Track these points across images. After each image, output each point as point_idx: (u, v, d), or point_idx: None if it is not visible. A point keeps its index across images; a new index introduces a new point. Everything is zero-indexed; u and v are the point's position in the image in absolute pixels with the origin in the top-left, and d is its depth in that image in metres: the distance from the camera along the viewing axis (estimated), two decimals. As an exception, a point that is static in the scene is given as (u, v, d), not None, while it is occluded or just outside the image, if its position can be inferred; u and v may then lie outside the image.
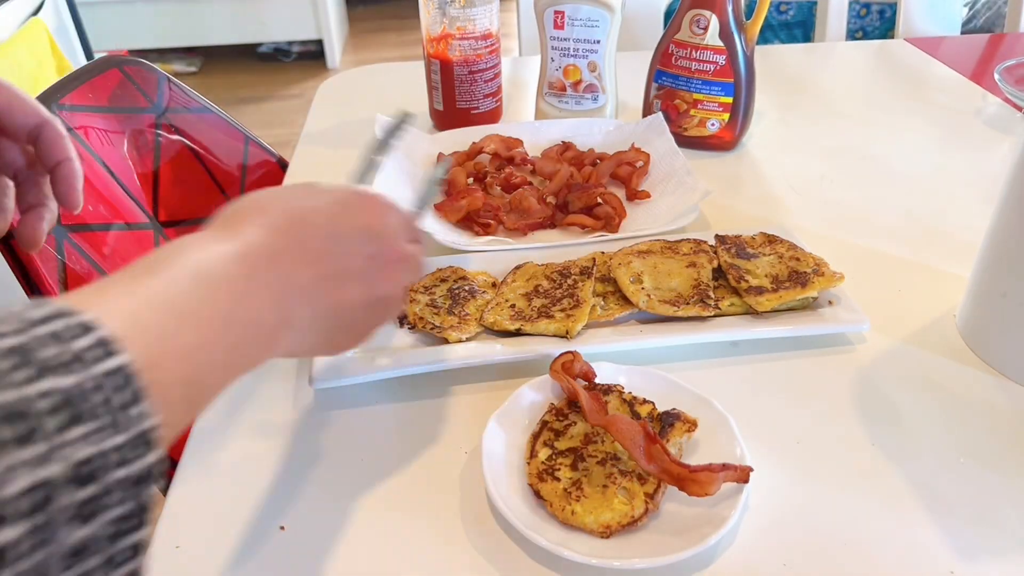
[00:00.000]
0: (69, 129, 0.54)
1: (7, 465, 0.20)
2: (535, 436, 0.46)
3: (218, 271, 0.31)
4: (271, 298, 0.33)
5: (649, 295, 0.56)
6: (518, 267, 0.61)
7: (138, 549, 0.24)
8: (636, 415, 0.46)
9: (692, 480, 0.41)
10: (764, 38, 1.39)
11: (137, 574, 0.24)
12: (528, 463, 0.44)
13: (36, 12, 1.79)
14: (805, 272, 0.57)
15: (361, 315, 0.39)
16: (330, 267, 0.36)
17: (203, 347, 0.28)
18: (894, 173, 0.78)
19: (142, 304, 0.27)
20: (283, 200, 0.36)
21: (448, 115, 0.85)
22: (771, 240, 0.61)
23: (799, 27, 1.37)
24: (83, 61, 1.99)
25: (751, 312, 0.55)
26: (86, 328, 0.23)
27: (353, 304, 0.38)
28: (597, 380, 0.49)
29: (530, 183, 0.73)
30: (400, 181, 0.68)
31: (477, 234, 0.67)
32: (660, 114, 0.81)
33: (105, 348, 0.23)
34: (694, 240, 0.62)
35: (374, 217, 0.40)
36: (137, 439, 0.23)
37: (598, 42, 0.83)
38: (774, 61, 1.06)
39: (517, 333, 0.54)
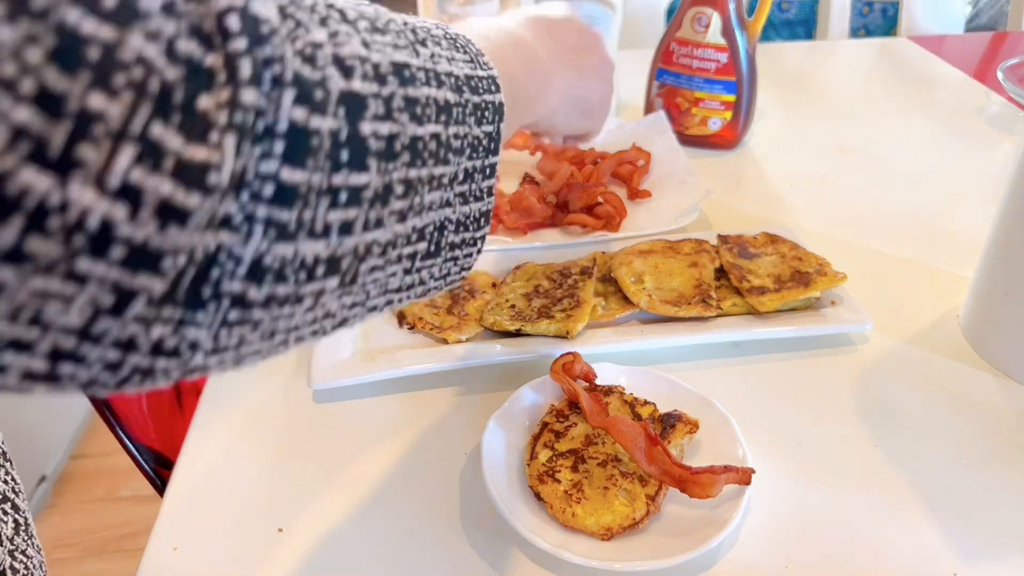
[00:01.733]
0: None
1: (433, 52, 0.30)
2: (535, 437, 0.45)
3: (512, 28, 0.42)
4: (541, 44, 0.43)
5: (650, 295, 0.55)
6: (518, 267, 0.61)
7: (494, 168, 0.33)
8: (637, 416, 0.46)
9: (694, 482, 0.40)
10: (766, 36, 1.39)
11: (492, 192, 0.34)
12: (528, 465, 0.44)
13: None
14: (807, 272, 0.56)
15: (598, 75, 0.48)
16: (566, 38, 0.47)
17: (512, 64, 0.38)
18: (897, 172, 0.78)
19: (465, 27, 0.38)
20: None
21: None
22: (773, 240, 0.61)
23: (801, 25, 1.37)
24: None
25: (753, 312, 0.55)
26: (440, 23, 0.34)
27: (590, 67, 0.47)
28: (598, 381, 0.49)
29: (534, 182, 0.73)
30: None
31: (477, 233, 0.67)
32: (661, 112, 0.80)
33: (449, 27, 0.34)
34: (696, 240, 0.61)
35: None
36: (489, 79, 0.33)
37: (599, 40, 0.82)
38: (776, 59, 1.06)
39: (517, 334, 0.54)
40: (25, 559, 0.43)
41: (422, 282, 0.32)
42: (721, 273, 0.58)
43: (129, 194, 0.18)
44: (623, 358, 0.51)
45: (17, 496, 0.44)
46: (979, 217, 0.69)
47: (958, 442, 0.47)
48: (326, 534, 0.43)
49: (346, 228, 0.25)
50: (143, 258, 0.19)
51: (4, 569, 0.40)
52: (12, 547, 0.41)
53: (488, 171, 0.33)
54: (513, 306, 0.56)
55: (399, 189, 0.27)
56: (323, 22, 0.24)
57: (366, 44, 0.26)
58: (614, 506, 0.41)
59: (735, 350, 0.54)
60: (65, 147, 0.17)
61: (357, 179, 0.24)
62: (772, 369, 0.53)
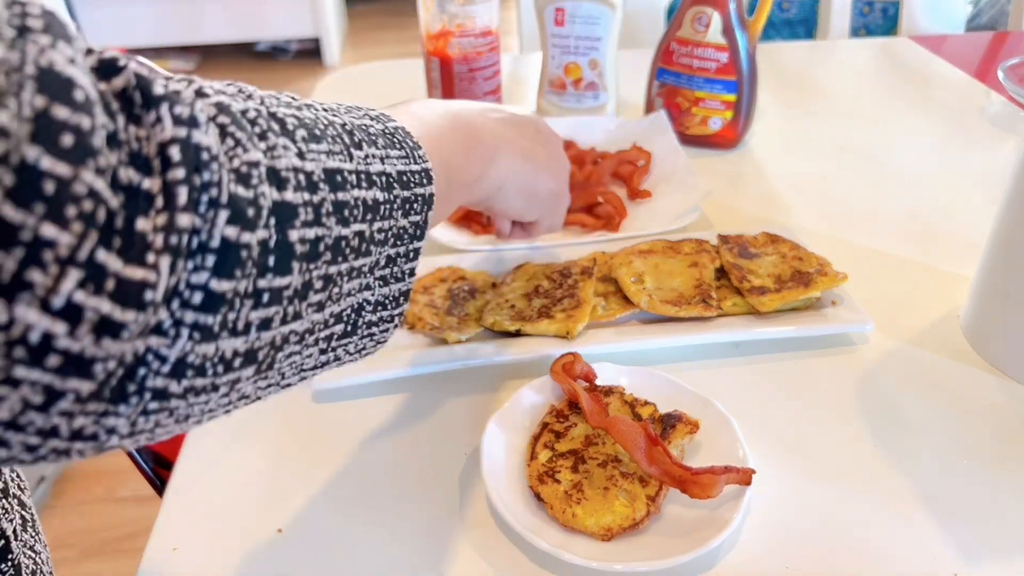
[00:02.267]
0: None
1: (368, 154, 0.32)
2: (535, 438, 0.45)
3: (449, 109, 0.43)
4: (488, 128, 0.43)
5: (651, 295, 0.55)
6: (518, 267, 0.61)
7: (418, 252, 0.35)
8: (637, 416, 0.46)
9: (694, 482, 0.40)
10: (766, 35, 1.39)
11: (413, 272, 0.35)
12: (528, 465, 0.44)
13: (35, 9, 1.78)
14: (808, 272, 0.56)
15: (548, 169, 0.48)
16: (523, 130, 0.47)
17: (451, 149, 0.40)
18: (897, 172, 0.78)
19: (408, 115, 0.39)
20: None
21: (448, 113, 0.85)
22: (774, 240, 0.61)
23: (801, 24, 1.37)
24: (82, 58, 1.98)
25: (753, 312, 0.55)
26: (382, 114, 0.36)
27: (540, 158, 0.47)
28: (598, 381, 0.49)
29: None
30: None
31: (477, 233, 0.67)
32: (662, 112, 0.80)
33: (391, 118, 0.36)
34: (696, 240, 0.61)
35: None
36: (422, 173, 0.35)
37: (599, 39, 0.82)
38: (776, 59, 1.06)
39: (517, 334, 0.54)
40: (33, 555, 0.43)
41: (337, 359, 0.34)
42: (721, 273, 0.58)
43: (70, 312, 0.19)
44: (623, 358, 0.51)
45: (23, 492, 0.44)
46: (980, 217, 0.68)
47: (958, 442, 0.47)
48: (326, 534, 0.42)
49: (265, 324, 0.26)
50: (76, 365, 0.20)
51: (19, 563, 0.41)
52: (20, 542, 0.42)
53: (412, 255, 0.35)
54: (513, 306, 0.56)
55: (318, 284, 0.28)
56: (262, 136, 0.26)
57: (301, 154, 0.28)
58: (614, 506, 0.41)
59: (735, 350, 0.54)
60: (16, 271, 0.18)
61: (280, 281, 0.26)
62: (773, 369, 0.53)
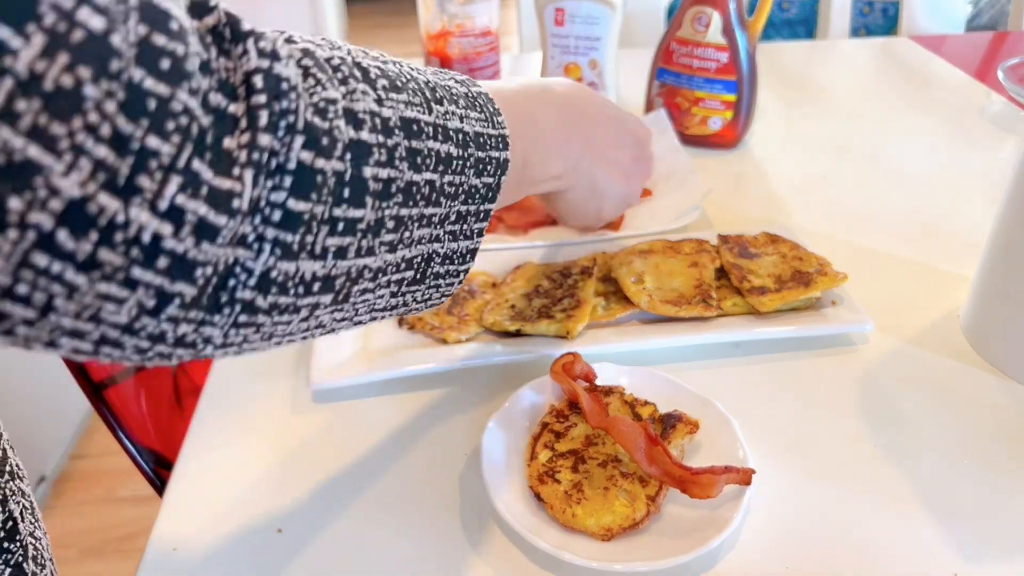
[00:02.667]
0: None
1: (447, 110, 0.34)
2: (535, 438, 0.45)
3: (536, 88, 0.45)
4: (589, 132, 0.46)
5: (651, 295, 0.55)
6: (518, 267, 0.61)
7: (488, 213, 0.37)
8: (637, 416, 0.46)
9: (694, 482, 0.40)
10: (766, 35, 1.39)
11: (482, 233, 0.37)
12: (528, 465, 0.44)
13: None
14: (808, 272, 0.56)
15: (616, 195, 0.50)
16: (621, 145, 0.50)
17: (540, 137, 0.42)
18: (898, 172, 0.78)
19: (494, 87, 0.40)
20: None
21: (448, 113, 0.85)
22: (774, 240, 0.61)
23: (802, 24, 1.37)
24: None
25: (754, 312, 0.55)
26: (468, 79, 0.38)
27: (617, 182, 0.50)
28: (598, 381, 0.49)
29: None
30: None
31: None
32: (663, 111, 0.80)
33: (475, 84, 0.38)
34: (696, 240, 0.61)
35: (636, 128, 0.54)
36: (499, 138, 0.36)
37: (599, 39, 0.82)
38: (776, 59, 1.06)
39: (517, 334, 0.54)
40: (34, 540, 0.43)
41: (405, 304, 0.36)
42: (722, 273, 0.58)
43: (174, 215, 0.22)
44: (623, 358, 0.51)
45: (22, 480, 0.44)
46: (980, 217, 0.68)
47: (958, 442, 0.47)
48: (326, 534, 0.42)
49: (341, 253, 0.29)
50: (181, 267, 0.23)
51: (27, 543, 0.41)
52: (26, 524, 0.42)
53: (482, 215, 0.36)
54: (513, 306, 0.56)
55: (390, 224, 0.31)
56: (343, 81, 0.29)
57: (380, 101, 0.30)
58: (614, 507, 0.41)
59: (736, 350, 0.54)
60: (129, 177, 0.21)
61: (354, 213, 0.29)
62: (773, 369, 0.53)
